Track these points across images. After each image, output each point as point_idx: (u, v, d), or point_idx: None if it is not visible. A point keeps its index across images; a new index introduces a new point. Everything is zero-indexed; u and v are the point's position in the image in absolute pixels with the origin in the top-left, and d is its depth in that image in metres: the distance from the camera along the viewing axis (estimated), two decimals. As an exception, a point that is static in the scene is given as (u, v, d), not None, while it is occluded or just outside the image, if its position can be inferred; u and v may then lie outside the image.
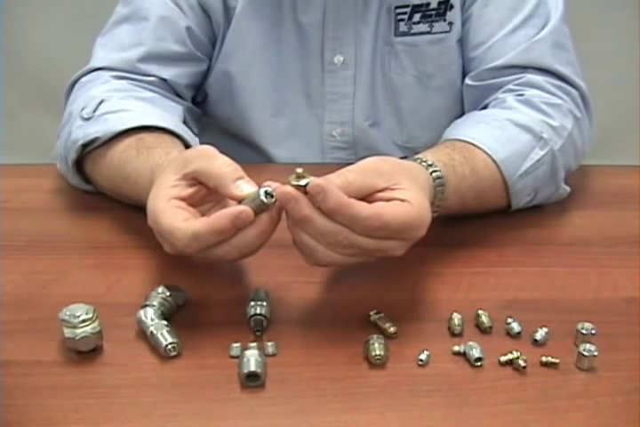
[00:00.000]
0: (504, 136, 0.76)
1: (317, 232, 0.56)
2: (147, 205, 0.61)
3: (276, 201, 0.56)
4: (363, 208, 0.55)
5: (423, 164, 0.67)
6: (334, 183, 0.56)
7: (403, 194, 0.58)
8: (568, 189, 0.82)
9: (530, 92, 0.83)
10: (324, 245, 0.57)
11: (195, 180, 0.60)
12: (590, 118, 0.87)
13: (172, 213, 0.58)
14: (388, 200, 0.58)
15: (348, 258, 0.58)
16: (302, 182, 0.55)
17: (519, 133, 0.77)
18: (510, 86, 0.85)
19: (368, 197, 0.58)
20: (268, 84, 0.95)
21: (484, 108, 0.87)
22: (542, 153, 0.77)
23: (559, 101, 0.83)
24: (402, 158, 0.69)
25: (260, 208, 0.56)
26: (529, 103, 0.81)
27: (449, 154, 0.71)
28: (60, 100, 0.89)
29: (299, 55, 0.94)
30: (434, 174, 0.66)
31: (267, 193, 0.56)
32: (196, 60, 0.92)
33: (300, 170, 0.55)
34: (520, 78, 0.85)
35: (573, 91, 0.86)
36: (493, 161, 0.74)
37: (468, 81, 0.90)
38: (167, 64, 0.89)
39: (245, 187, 0.58)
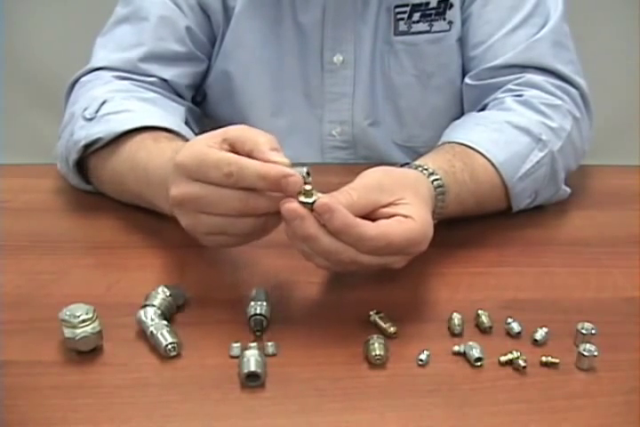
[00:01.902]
0: (503, 139, 0.76)
1: (321, 251, 0.56)
2: (177, 157, 0.59)
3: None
4: (368, 228, 0.55)
5: (424, 172, 0.67)
6: (340, 202, 0.56)
7: (406, 210, 0.58)
8: (568, 190, 0.82)
9: (529, 93, 0.83)
10: (326, 261, 0.57)
11: (231, 146, 0.58)
12: (590, 117, 0.87)
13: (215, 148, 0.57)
14: (392, 216, 0.58)
15: (347, 270, 0.59)
16: (310, 200, 0.55)
17: (518, 136, 0.77)
18: (510, 86, 0.85)
19: (371, 213, 0.58)
20: (268, 83, 0.95)
21: (484, 107, 0.87)
22: (541, 155, 0.76)
23: (558, 102, 0.83)
24: (403, 165, 0.70)
25: None
26: (527, 104, 0.81)
27: (449, 160, 0.71)
28: (61, 101, 0.88)
29: (298, 55, 0.94)
30: (435, 183, 0.66)
31: (307, 173, 0.55)
32: (196, 60, 0.92)
33: (308, 187, 0.55)
34: (520, 78, 0.85)
35: (573, 90, 0.86)
36: (492, 164, 0.74)
37: (467, 80, 0.90)
38: (167, 64, 0.89)
39: (279, 156, 0.57)
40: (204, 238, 0.61)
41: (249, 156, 0.57)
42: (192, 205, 0.58)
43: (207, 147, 0.57)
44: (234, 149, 0.58)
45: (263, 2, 0.90)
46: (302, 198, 0.55)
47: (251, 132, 0.58)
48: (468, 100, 0.92)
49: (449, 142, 0.77)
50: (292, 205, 0.55)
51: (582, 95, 0.86)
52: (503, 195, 0.75)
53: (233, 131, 0.59)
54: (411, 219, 0.58)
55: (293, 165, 0.57)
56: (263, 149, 0.56)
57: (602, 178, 0.90)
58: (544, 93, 0.83)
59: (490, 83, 0.88)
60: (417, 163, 0.70)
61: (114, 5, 0.92)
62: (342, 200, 0.56)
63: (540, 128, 0.78)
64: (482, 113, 0.85)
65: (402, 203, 0.59)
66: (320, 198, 0.55)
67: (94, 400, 0.52)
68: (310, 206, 0.55)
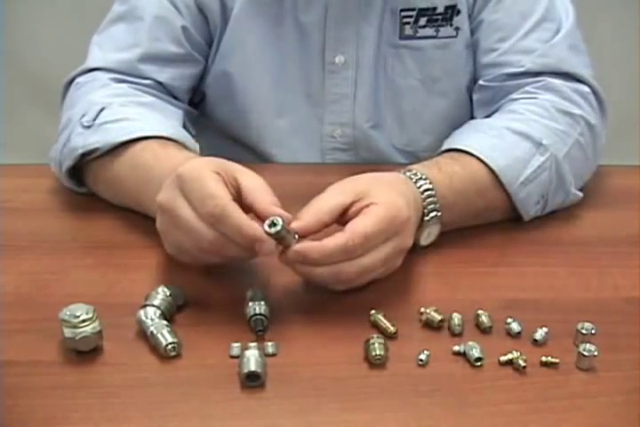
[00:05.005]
0: (502, 144, 0.76)
1: (326, 280, 0.61)
2: (180, 168, 0.60)
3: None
4: (338, 238, 0.58)
5: (413, 177, 0.69)
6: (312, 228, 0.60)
7: (368, 200, 0.61)
8: (580, 194, 0.81)
9: (544, 96, 0.82)
10: (339, 284, 0.62)
11: (236, 190, 0.61)
12: (605, 122, 0.86)
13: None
14: (358, 213, 0.61)
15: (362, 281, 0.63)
16: (272, 231, 0.56)
17: (518, 141, 0.76)
18: (527, 88, 0.84)
19: (342, 216, 0.61)
20: (269, 83, 0.94)
21: (497, 109, 0.86)
22: (542, 159, 0.76)
23: (573, 108, 0.82)
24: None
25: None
26: (538, 106, 0.81)
27: (448, 165, 0.73)
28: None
29: (299, 55, 0.93)
30: (422, 188, 0.68)
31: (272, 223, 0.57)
32: (193, 62, 0.91)
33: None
34: (538, 82, 0.84)
35: (591, 95, 0.84)
36: (492, 170, 0.73)
37: (482, 82, 0.90)
38: (163, 65, 0.88)
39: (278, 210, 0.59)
40: (170, 247, 0.64)
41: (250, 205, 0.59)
42: (168, 216, 0.61)
43: (211, 174, 0.59)
44: (237, 193, 0.60)
45: (264, 1, 0.90)
46: (268, 229, 0.57)
47: (263, 190, 0.60)
48: (480, 101, 0.91)
49: (448, 150, 0.77)
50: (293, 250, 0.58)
51: (599, 100, 0.85)
52: (507, 201, 0.75)
53: (248, 181, 0.60)
54: (373, 204, 0.60)
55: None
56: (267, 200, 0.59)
57: (602, 178, 0.90)
58: (560, 99, 0.82)
59: (506, 85, 0.87)
60: (408, 167, 0.71)
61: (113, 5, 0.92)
62: (310, 226, 0.60)
63: (542, 132, 0.77)
64: (482, 120, 0.84)
65: (365, 196, 0.61)
66: (289, 251, 0.58)
67: (94, 400, 0.52)
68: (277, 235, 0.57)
